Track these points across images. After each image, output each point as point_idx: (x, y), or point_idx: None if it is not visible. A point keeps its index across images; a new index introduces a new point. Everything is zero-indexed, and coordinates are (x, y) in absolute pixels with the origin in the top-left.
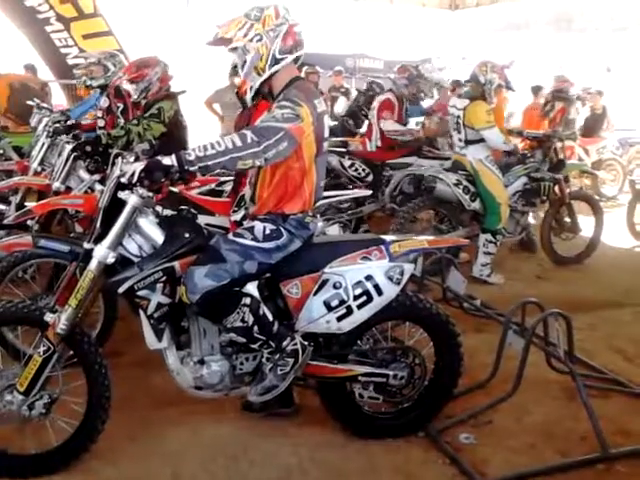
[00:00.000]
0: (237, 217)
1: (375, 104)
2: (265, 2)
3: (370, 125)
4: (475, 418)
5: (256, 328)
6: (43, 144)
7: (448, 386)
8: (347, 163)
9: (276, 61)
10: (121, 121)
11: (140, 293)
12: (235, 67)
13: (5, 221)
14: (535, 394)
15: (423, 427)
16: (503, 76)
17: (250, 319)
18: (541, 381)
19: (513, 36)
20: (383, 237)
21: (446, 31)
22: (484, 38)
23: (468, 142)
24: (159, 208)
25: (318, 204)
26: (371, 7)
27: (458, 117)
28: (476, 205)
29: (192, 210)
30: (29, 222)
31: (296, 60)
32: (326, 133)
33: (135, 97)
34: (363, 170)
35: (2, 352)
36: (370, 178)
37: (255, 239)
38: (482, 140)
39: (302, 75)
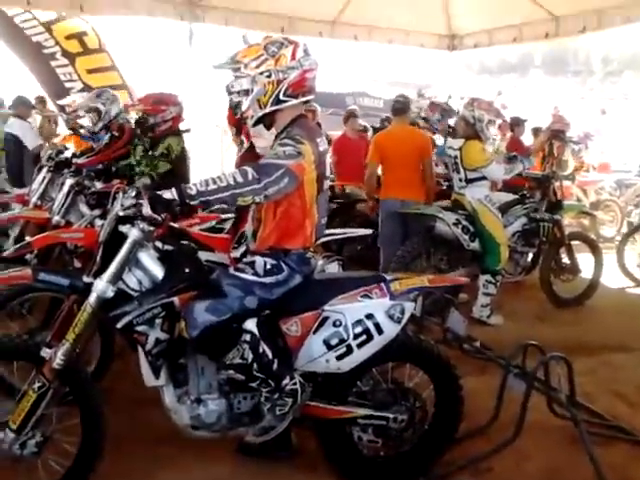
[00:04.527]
0: (237, 254)
1: None
2: (293, 36)
3: None
4: (475, 464)
5: (255, 366)
6: (44, 178)
7: (449, 430)
8: None
9: (278, 101)
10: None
11: (139, 328)
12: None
13: (4, 254)
14: (536, 439)
15: (423, 472)
16: (492, 110)
17: (249, 356)
18: (542, 426)
19: (510, 78)
20: (383, 275)
21: (444, 71)
22: (481, 79)
23: (469, 181)
24: (159, 243)
25: (319, 241)
26: (371, 47)
27: (455, 157)
28: (475, 245)
29: (192, 245)
30: (27, 256)
31: (304, 102)
32: (327, 171)
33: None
34: None
35: None
36: None
37: (256, 274)
38: (482, 179)
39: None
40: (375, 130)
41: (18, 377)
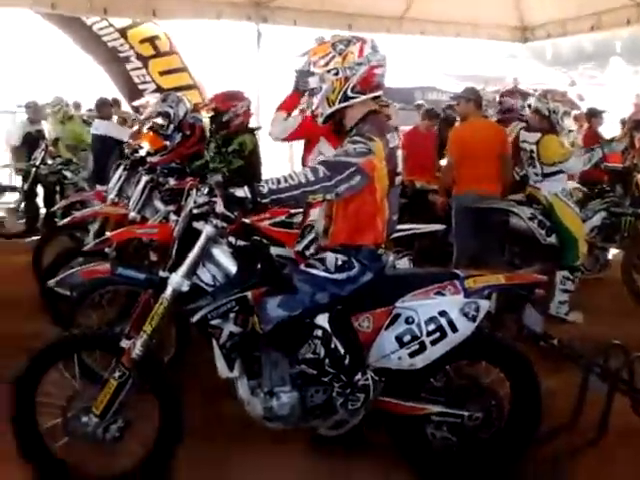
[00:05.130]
0: (299, 247)
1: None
2: (360, 34)
3: None
4: (556, 466)
5: (327, 361)
6: (120, 176)
7: (527, 430)
8: None
9: (346, 98)
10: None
11: (213, 322)
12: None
13: (84, 248)
14: (621, 442)
15: (500, 472)
16: (567, 101)
17: (321, 351)
18: (627, 429)
19: (587, 67)
20: (457, 272)
21: (515, 63)
22: (554, 70)
23: (545, 175)
24: (232, 239)
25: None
26: (439, 41)
27: (531, 152)
28: (552, 240)
29: (264, 241)
30: (107, 250)
31: (374, 98)
32: (399, 167)
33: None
34: None
35: (80, 375)
36: None
37: (327, 270)
38: (559, 172)
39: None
40: (441, 121)
41: (100, 364)
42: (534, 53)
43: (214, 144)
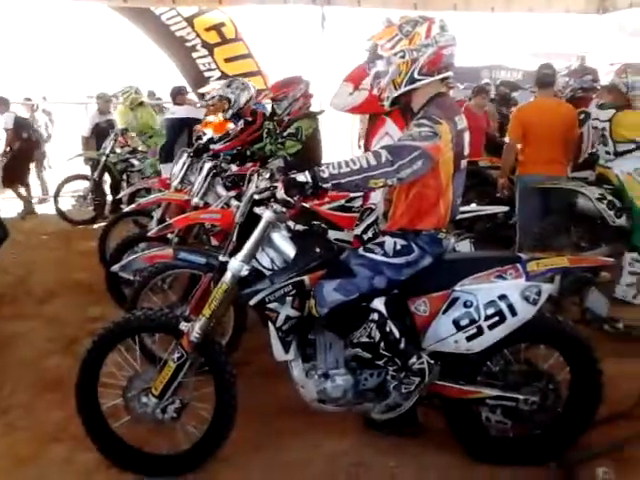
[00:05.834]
0: (358, 231)
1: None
2: (428, 14)
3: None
4: (615, 451)
5: (382, 344)
6: (184, 163)
7: (585, 415)
8: None
9: (412, 81)
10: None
11: (270, 306)
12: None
13: (148, 234)
14: None
15: (555, 456)
16: None
17: (376, 335)
18: None
19: None
20: (519, 255)
21: (592, 36)
22: (636, 42)
23: (618, 154)
24: (291, 223)
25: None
26: (508, 17)
27: (603, 129)
28: (622, 221)
29: (323, 225)
30: (169, 235)
31: (442, 79)
32: (466, 151)
33: (279, 113)
34: None
35: (140, 356)
36: None
37: (385, 254)
38: (633, 150)
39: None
40: (494, 99)
41: (159, 347)
42: (615, 25)
43: (266, 128)
